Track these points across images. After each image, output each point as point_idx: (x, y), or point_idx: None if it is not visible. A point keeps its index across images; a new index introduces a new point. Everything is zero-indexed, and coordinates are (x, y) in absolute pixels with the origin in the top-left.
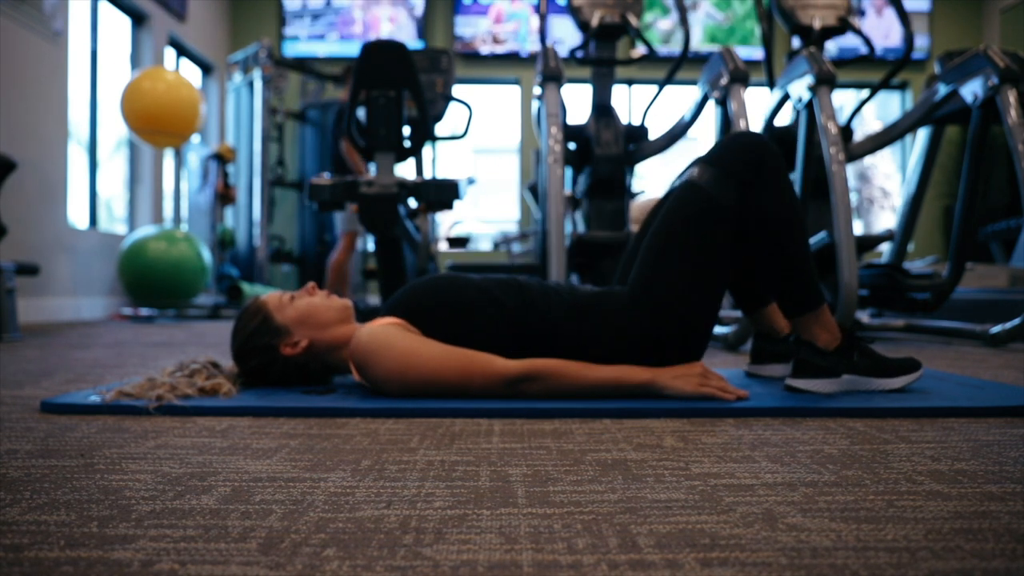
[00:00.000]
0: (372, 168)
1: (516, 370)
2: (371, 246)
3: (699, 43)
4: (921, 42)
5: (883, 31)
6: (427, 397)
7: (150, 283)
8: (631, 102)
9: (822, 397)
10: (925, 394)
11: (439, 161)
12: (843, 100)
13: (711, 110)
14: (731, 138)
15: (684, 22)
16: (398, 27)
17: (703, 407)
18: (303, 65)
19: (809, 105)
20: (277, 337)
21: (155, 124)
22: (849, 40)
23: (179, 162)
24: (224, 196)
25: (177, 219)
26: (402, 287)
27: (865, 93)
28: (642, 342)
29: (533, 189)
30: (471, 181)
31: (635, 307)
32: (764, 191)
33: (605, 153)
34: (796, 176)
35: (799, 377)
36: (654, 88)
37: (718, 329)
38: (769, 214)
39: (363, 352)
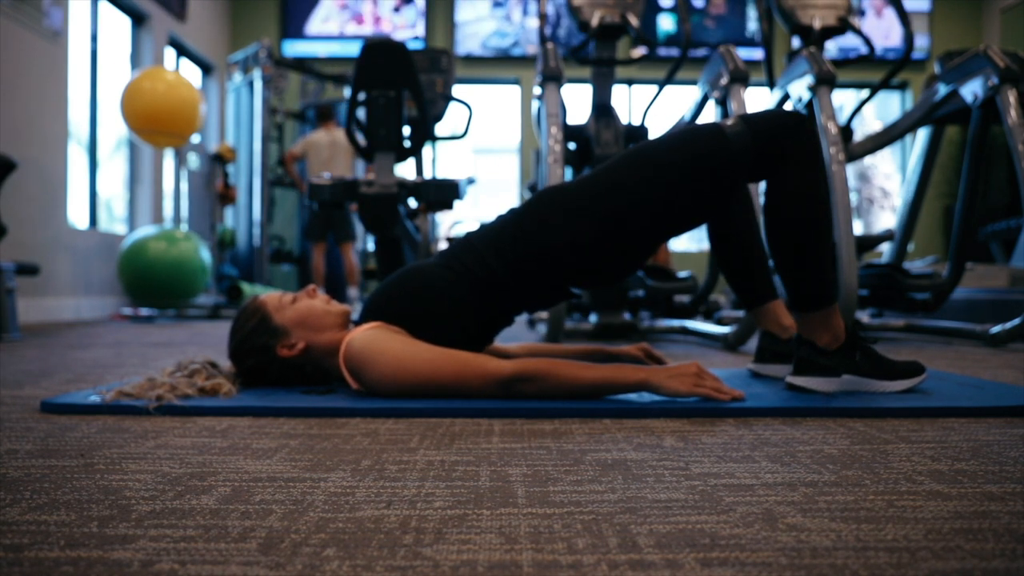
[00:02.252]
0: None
1: (509, 371)
2: (371, 246)
3: None
4: (921, 42)
5: (883, 31)
6: (422, 398)
7: (150, 283)
8: (631, 102)
9: (822, 396)
10: (925, 394)
11: (439, 161)
12: (843, 100)
13: (711, 110)
14: (776, 111)
15: (684, 21)
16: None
17: (703, 407)
18: (303, 65)
19: (809, 105)
20: (274, 338)
21: (155, 124)
22: (849, 40)
23: (179, 162)
24: (224, 196)
25: (177, 219)
26: (375, 290)
27: (865, 93)
28: (563, 250)
29: (533, 189)
30: (471, 181)
31: (582, 210)
32: (787, 175)
33: (605, 153)
34: None
35: (800, 375)
36: (654, 88)
37: (718, 329)
38: (790, 198)
39: (356, 359)
